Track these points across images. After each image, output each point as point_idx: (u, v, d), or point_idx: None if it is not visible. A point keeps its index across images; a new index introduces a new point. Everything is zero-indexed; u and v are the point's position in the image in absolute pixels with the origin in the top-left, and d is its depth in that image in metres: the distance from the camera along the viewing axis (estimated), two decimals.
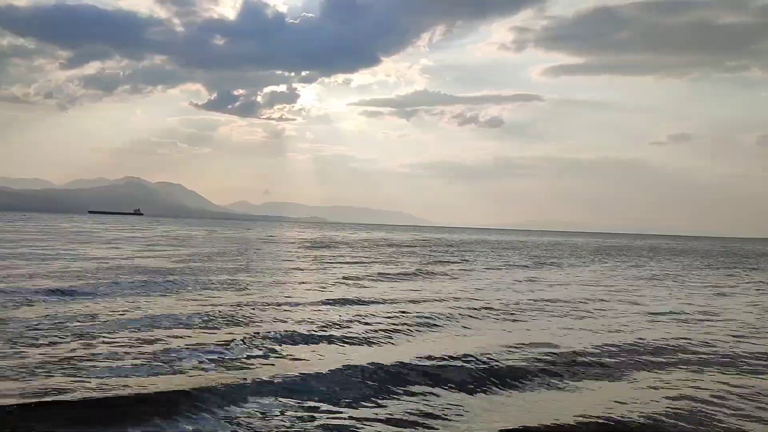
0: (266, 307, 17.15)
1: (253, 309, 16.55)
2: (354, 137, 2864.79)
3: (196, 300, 17.94)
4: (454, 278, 29.76)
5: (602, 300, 22.45)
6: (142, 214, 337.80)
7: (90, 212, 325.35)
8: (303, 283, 24.67)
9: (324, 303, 18.58)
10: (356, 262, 37.92)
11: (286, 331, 13.48)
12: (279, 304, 17.70)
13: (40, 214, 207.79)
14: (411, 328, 14.77)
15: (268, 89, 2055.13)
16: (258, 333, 13.01)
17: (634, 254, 69.23)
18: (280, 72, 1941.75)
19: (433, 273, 32.05)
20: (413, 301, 19.77)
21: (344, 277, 27.03)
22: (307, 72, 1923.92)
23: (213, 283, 22.27)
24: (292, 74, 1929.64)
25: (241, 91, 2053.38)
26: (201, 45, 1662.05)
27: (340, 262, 37.51)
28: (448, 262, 42.79)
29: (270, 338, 12.62)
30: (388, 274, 29.99)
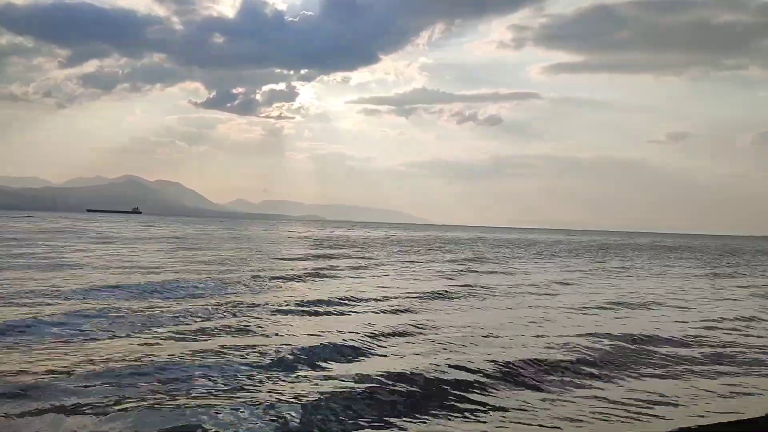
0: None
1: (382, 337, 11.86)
2: (352, 135, 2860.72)
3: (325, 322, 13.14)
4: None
5: None
6: (140, 213, 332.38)
7: (88, 210, 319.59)
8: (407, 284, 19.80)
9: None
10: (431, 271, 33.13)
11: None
12: (410, 332, 12.92)
13: (39, 213, 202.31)
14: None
15: (267, 87, 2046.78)
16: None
17: (708, 254, 64.30)
18: (279, 70, 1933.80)
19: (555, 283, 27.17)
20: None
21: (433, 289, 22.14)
22: (306, 70, 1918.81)
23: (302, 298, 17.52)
24: (291, 72, 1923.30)
25: (240, 90, 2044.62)
26: (200, 43, 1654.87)
27: (397, 262, 32.80)
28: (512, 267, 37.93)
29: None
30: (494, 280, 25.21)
